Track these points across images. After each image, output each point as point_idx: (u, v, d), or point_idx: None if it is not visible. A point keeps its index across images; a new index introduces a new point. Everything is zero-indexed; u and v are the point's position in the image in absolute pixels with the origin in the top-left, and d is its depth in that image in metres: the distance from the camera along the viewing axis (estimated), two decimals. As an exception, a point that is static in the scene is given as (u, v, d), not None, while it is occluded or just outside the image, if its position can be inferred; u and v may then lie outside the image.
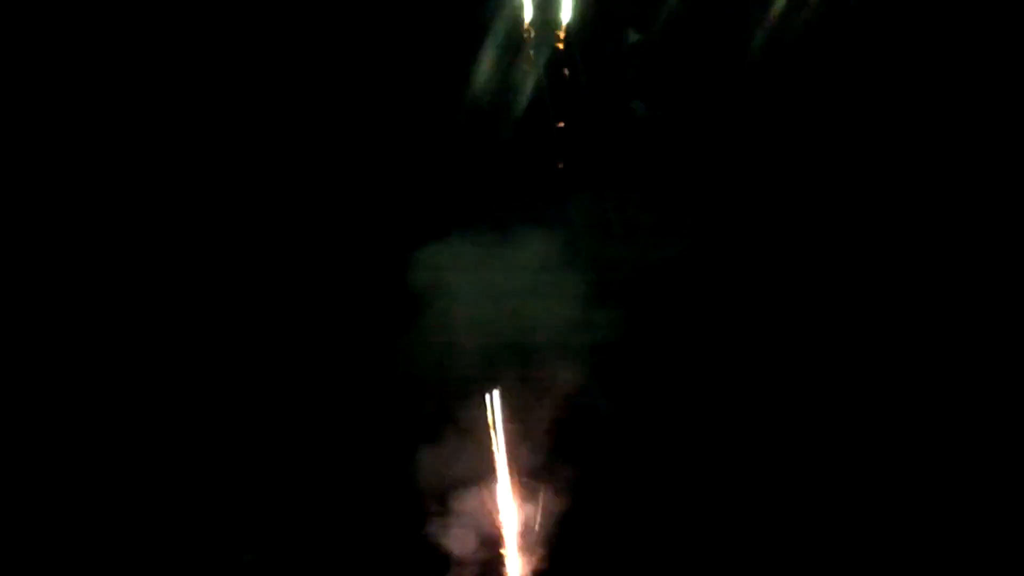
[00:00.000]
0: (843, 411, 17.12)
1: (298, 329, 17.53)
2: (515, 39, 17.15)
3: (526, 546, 16.85)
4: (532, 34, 17.19)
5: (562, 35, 17.32)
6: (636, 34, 17.39)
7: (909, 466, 16.81)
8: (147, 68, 17.36)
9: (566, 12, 17.28)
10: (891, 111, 17.20)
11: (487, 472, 16.75)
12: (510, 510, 16.77)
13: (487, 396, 16.72)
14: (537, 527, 16.81)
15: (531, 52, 17.24)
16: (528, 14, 17.24)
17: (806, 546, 16.75)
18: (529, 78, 17.29)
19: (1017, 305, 17.06)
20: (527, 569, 16.90)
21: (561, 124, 17.50)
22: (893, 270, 17.25)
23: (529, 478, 16.83)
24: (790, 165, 17.35)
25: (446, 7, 17.26)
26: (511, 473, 16.74)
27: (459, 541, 16.63)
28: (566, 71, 17.35)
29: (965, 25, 16.94)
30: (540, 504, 16.77)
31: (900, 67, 17.10)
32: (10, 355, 17.20)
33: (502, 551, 16.83)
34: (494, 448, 16.74)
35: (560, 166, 17.50)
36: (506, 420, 16.79)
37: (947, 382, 16.95)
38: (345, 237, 17.65)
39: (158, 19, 17.30)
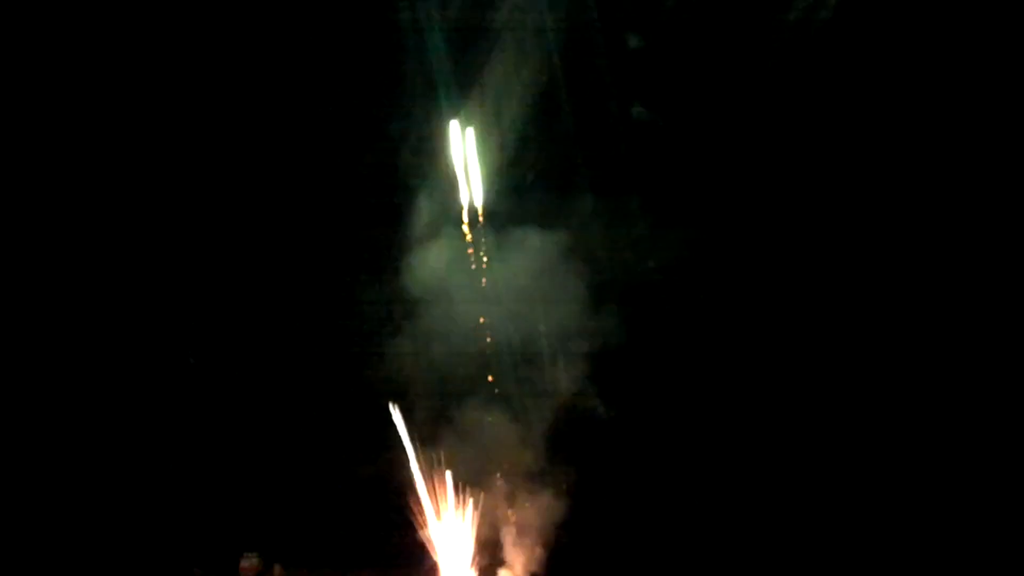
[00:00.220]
0: (843, 414, 17.13)
1: (294, 332, 17.53)
2: (515, 44, 17.12)
3: (524, 549, 16.88)
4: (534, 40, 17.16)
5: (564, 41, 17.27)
6: (637, 39, 17.34)
7: (910, 477, 16.82)
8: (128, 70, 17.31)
9: (569, 18, 17.22)
10: (891, 115, 17.15)
11: (484, 475, 16.77)
12: (507, 513, 16.79)
13: (482, 399, 16.83)
14: (535, 530, 16.85)
15: (533, 57, 17.21)
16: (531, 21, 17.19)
17: (804, 549, 16.77)
18: (529, 82, 17.25)
19: (1017, 305, 17.03)
20: (525, 571, 16.94)
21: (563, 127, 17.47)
22: (893, 276, 17.22)
23: (527, 481, 16.86)
24: (790, 170, 17.31)
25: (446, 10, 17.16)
26: (508, 476, 16.74)
27: (457, 544, 16.62)
28: (568, 76, 17.30)
29: (960, 28, 16.89)
30: (538, 507, 16.80)
31: (900, 71, 17.04)
32: (7, 356, 17.23)
33: (499, 554, 16.88)
34: (491, 451, 16.80)
35: (562, 170, 17.46)
36: (504, 423, 16.81)
37: (947, 385, 16.93)
38: (340, 237, 17.59)
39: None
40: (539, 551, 16.90)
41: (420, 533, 16.49)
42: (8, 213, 17.21)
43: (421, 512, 16.44)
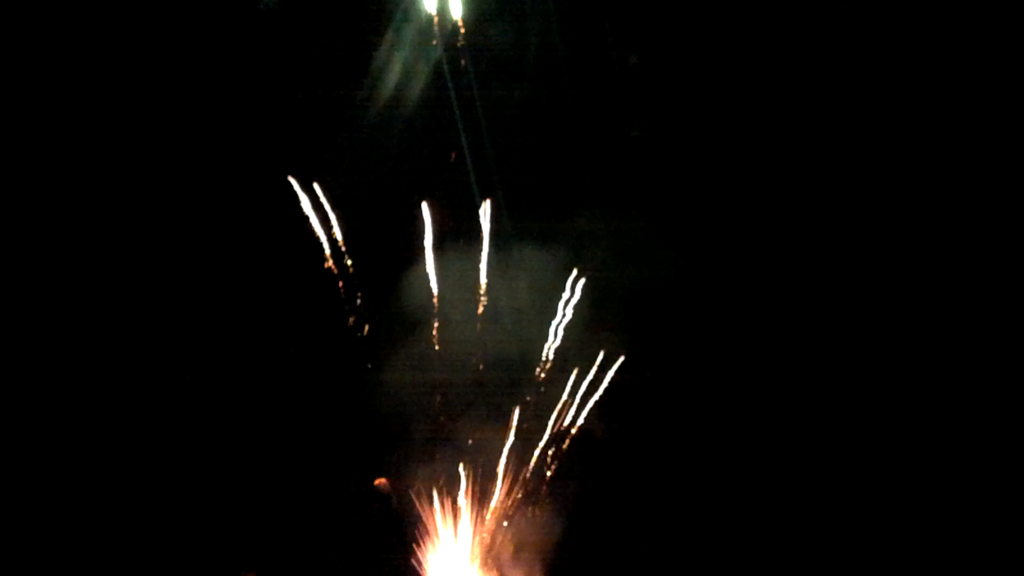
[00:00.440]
0: (844, 425, 17.10)
1: (289, 345, 17.43)
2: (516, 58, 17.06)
3: (521, 566, 16.84)
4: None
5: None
6: (636, 58, 17.30)
7: (912, 491, 16.81)
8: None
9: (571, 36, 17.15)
10: (887, 129, 17.16)
11: (483, 492, 16.70)
12: (506, 530, 16.73)
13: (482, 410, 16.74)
14: (534, 547, 16.80)
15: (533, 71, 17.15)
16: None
17: (802, 566, 16.74)
18: (526, 96, 17.20)
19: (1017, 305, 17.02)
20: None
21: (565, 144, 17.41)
22: (892, 287, 17.19)
23: (526, 499, 16.81)
24: (788, 185, 17.31)
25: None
26: (507, 494, 16.69)
27: (454, 561, 16.56)
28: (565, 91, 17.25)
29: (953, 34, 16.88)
30: (537, 524, 16.75)
31: (897, 85, 17.05)
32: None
33: (498, 571, 16.84)
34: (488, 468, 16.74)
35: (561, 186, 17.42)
36: (503, 440, 16.74)
37: (946, 395, 16.91)
38: (338, 249, 17.52)
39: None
40: (537, 568, 16.89)
41: (417, 551, 16.46)
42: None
43: (417, 531, 16.44)
